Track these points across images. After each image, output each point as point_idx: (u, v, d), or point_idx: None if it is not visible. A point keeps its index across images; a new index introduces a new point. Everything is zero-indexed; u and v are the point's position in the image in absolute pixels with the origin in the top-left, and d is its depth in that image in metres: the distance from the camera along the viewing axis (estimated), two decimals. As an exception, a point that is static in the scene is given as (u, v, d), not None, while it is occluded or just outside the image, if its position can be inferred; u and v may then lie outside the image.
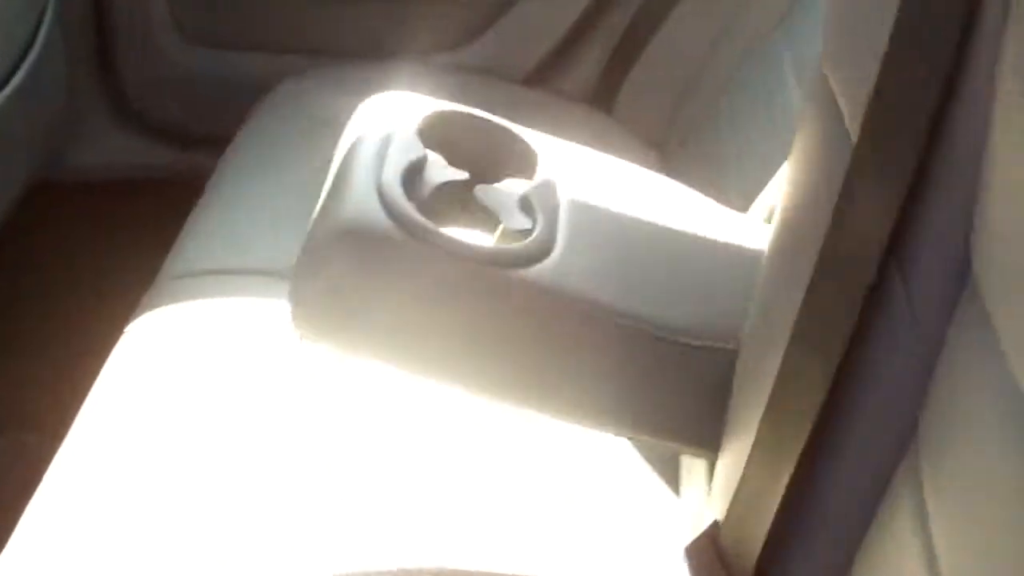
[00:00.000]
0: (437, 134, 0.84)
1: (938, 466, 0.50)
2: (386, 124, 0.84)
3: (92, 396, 0.98)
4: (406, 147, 0.82)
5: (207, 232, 1.20)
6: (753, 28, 1.36)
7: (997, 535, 0.45)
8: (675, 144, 1.43)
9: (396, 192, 0.77)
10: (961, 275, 0.51)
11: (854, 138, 0.59)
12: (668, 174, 1.02)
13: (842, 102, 0.65)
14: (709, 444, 0.78)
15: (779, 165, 0.92)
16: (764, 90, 1.26)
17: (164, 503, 0.87)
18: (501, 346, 0.78)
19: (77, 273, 1.42)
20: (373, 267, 0.77)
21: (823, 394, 0.59)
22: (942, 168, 0.53)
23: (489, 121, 0.86)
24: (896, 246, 0.55)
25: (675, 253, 0.84)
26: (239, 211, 1.24)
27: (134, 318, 1.08)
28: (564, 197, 0.82)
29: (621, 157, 0.92)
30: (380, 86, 1.40)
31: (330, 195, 0.79)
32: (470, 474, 0.92)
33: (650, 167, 1.06)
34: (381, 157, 0.80)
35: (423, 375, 0.81)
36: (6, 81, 1.27)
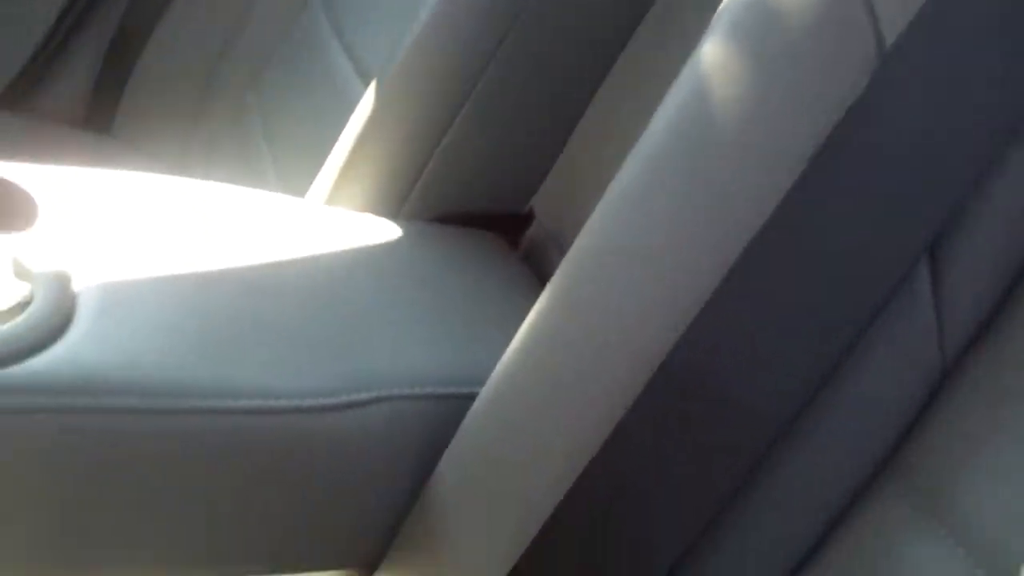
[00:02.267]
0: None
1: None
2: None
3: None
4: None
5: None
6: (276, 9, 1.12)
7: None
8: (199, 155, 1.17)
9: None
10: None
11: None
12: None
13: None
14: (365, 558, 0.52)
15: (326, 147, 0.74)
16: (305, 73, 1.03)
17: None
18: (18, 500, 0.47)
19: None
20: None
21: None
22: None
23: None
24: None
25: (261, 288, 0.56)
26: None
27: None
28: (80, 246, 0.52)
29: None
30: None
31: None
32: None
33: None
34: None
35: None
36: None
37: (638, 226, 0.44)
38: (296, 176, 0.90)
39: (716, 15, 0.45)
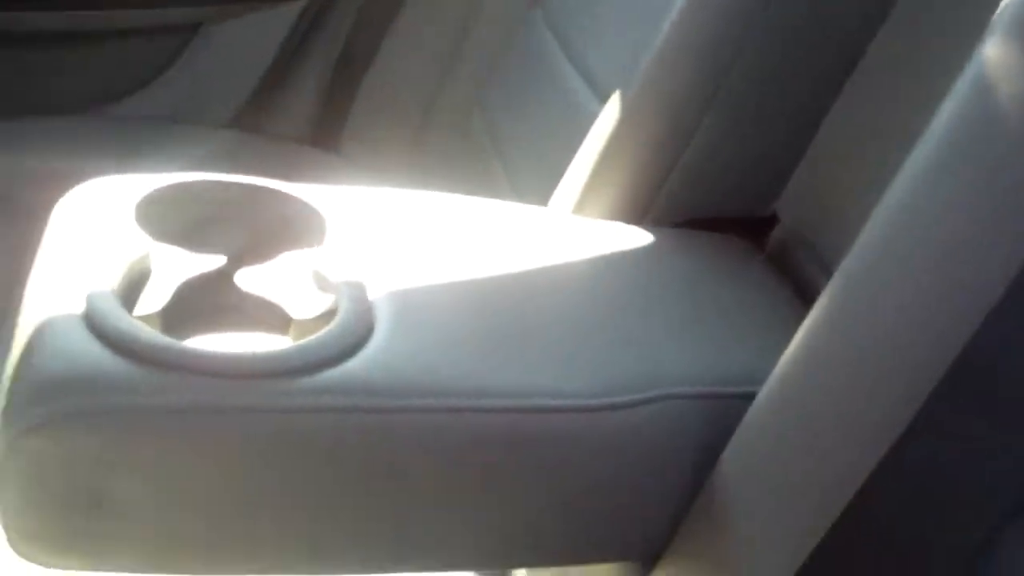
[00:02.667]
0: (169, 216, 0.57)
1: None
2: (92, 219, 0.56)
3: None
4: (121, 244, 0.54)
5: None
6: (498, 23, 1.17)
7: None
8: (422, 172, 1.22)
9: (111, 311, 0.49)
10: None
11: None
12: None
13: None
14: (647, 550, 0.54)
15: (567, 154, 0.77)
16: (532, 83, 1.07)
17: None
18: (323, 494, 0.51)
19: None
20: (106, 430, 0.48)
21: None
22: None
23: (238, 184, 0.59)
24: None
25: (537, 293, 0.59)
26: None
27: None
28: (367, 258, 0.56)
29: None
30: (31, 144, 1.14)
31: (22, 348, 0.49)
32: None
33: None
34: (87, 268, 0.52)
35: (220, 570, 0.53)
36: None
37: (922, 228, 0.45)
38: (531, 189, 0.94)
39: (998, 14, 0.46)
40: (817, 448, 0.45)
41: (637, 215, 0.72)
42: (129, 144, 1.07)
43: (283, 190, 0.60)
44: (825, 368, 0.47)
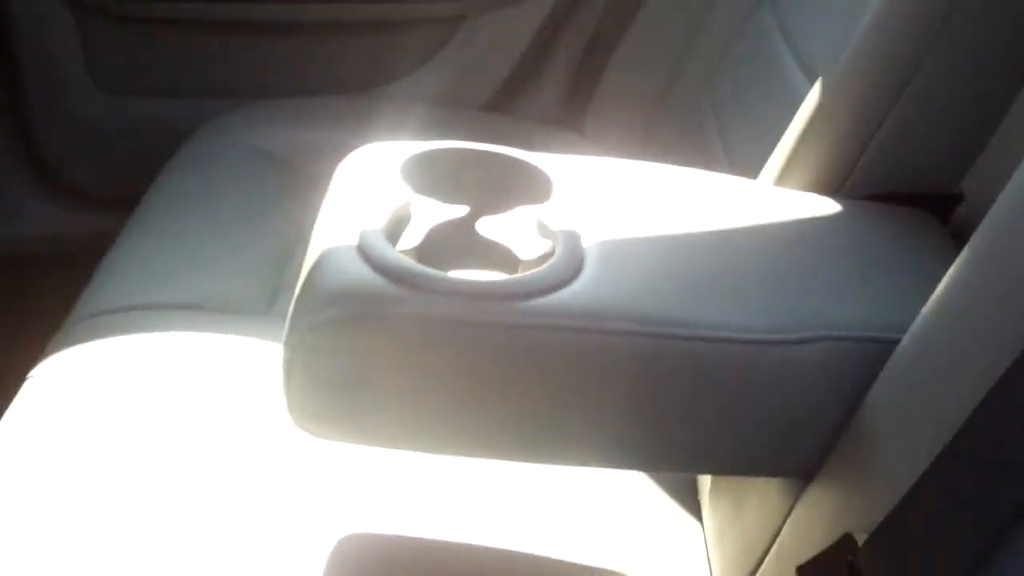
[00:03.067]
0: (426, 175, 0.70)
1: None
2: (366, 176, 0.70)
3: None
4: (388, 195, 0.67)
5: (123, 270, 1.08)
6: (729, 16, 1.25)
7: None
8: (656, 149, 1.32)
9: (379, 244, 0.63)
10: None
11: None
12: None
13: None
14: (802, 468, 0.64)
15: (772, 136, 0.86)
16: (755, 73, 1.15)
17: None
18: (537, 395, 0.63)
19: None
20: (371, 333, 0.62)
21: None
22: None
23: (483, 151, 0.72)
24: None
25: (727, 247, 0.69)
26: (159, 247, 1.12)
27: (40, 361, 0.95)
28: (585, 213, 0.68)
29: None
30: (315, 119, 1.32)
31: (308, 270, 0.64)
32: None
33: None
34: (361, 213, 0.66)
35: (453, 450, 0.66)
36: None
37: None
38: (746, 163, 1.03)
39: None
40: (942, 383, 0.54)
41: (833, 188, 0.80)
42: (398, 121, 1.23)
43: (518, 156, 0.72)
44: (959, 314, 0.55)
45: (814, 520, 0.63)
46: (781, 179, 0.83)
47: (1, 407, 0.91)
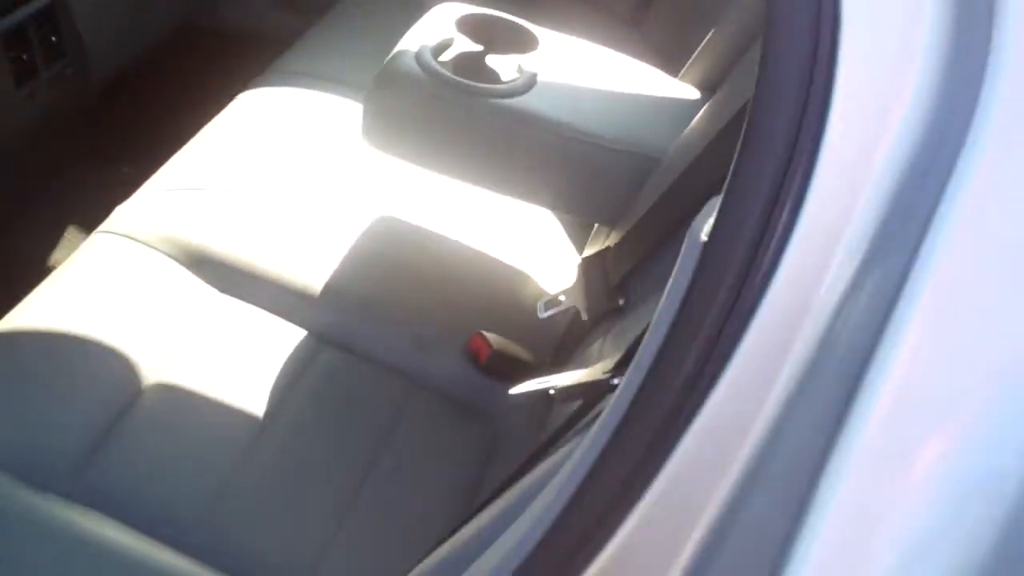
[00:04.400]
0: (469, 24, 1.26)
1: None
2: (439, 18, 1.27)
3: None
4: (444, 31, 1.24)
5: (313, 45, 1.73)
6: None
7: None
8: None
9: (427, 55, 1.20)
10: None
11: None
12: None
13: None
14: (615, 219, 1.19)
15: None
16: None
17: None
18: (493, 151, 1.20)
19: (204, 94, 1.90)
20: (410, 99, 1.19)
21: None
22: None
23: (506, 19, 1.27)
24: None
25: (622, 95, 1.23)
26: (346, 33, 1.75)
27: (247, 89, 1.62)
28: (548, 62, 1.23)
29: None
30: None
31: (391, 56, 1.21)
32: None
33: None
34: (427, 36, 1.23)
35: (443, 172, 1.24)
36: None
37: None
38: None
39: None
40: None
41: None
42: None
43: (520, 23, 1.27)
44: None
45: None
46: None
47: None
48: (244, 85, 1.62)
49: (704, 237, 0.49)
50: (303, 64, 1.68)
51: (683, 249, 0.50)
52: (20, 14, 1.56)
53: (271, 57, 1.72)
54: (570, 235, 1.43)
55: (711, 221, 0.49)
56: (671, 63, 1.67)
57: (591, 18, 1.91)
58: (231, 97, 1.61)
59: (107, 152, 1.92)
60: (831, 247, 0.46)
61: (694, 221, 0.51)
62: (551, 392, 0.83)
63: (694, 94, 1.29)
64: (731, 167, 0.48)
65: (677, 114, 1.18)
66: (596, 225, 1.29)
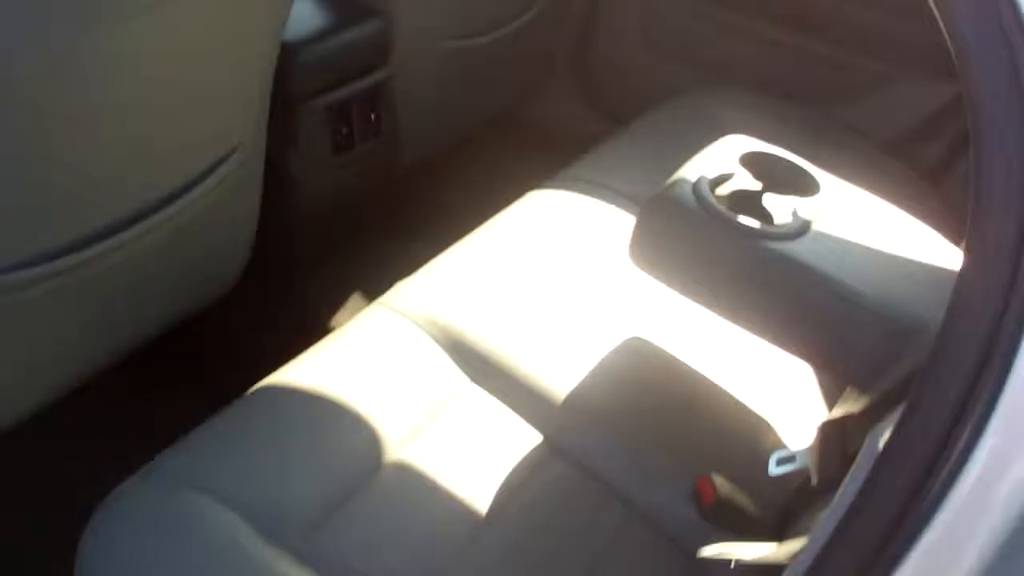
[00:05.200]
0: (753, 161, 1.26)
1: None
2: (726, 149, 1.28)
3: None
4: (727, 163, 1.25)
5: (608, 155, 1.81)
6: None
7: None
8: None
9: (704, 186, 1.21)
10: None
11: None
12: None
13: None
14: (865, 384, 1.15)
15: None
16: None
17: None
18: (753, 292, 1.19)
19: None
20: (679, 228, 1.21)
21: None
22: None
23: (791, 162, 1.27)
24: None
25: (895, 257, 1.20)
26: (640, 148, 1.82)
27: (538, 189, 1.71)
28: (826, 210, 1.21)
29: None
30: (754, 109, 1.92)
31: (670, 182, 1.24)
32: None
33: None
34: (709, 166, 1.24)
35: (702, 304, 1.24)
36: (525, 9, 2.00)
37: None
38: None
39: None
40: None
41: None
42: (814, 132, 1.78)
43: (807, 168, 1.26)
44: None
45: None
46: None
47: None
48: (536, 183, 1.70)
49: (880, 446, 0.48)
50: (593, 172, 1.74)
51: (859, 456, 0.49)
52: (346, 91, 1.71)
53: (571, 152, 1.80)
54: (824, 391, 1.40)
55: (889, 430, 0.48)
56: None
57: (887, 169, 1.87)
58: (523, 190, 1.70)
59: (400, 228, 2.06)
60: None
61: (874, 427, 0.50)
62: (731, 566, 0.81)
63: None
64: (919, 374, 0.47)
65: (949, 286, 1.14)
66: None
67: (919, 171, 1.90)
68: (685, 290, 1.24)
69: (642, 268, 1.26)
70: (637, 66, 2.25)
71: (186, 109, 1.29)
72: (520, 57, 2.16)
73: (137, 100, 1.21)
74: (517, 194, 1.69)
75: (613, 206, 1.65)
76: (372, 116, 1.76)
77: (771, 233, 1.18)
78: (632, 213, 1.60)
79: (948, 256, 1.25)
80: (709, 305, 1.24)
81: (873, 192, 1.34)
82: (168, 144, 1.31)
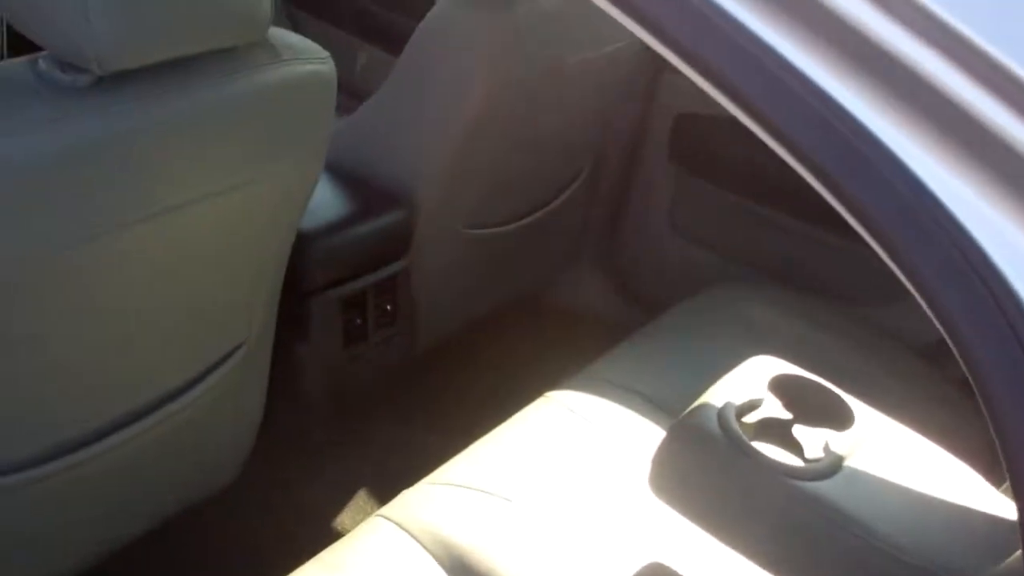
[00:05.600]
0: (783, 387, 1.19)
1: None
2: (755, 371, 1.21)
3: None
4: (756, 388, 1.18)
5: (630, 354, 1.72)
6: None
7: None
8: None
9: (730, 414, 1.13)
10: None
11: None
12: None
13: None
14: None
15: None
16: None
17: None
18: (777, 533, 1.10)
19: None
20: (702, 459, 1.13)
21: None
22: None
23: (825, 389, 1.20)
24: None
25: (937, 502, 1.11)
26: (665, 347, 1.74)
27: (556, 389, 1.61)
28: (860, 446, 1.13)
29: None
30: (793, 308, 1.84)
31: (694, 407, 1.16)
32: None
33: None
34: (736, 390, 1.17)
35: (721, 540, 1.15)
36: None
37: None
38: None
39: None
40: None
41: None
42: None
43: (843, 398, 1.18)
44: None
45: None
46: None
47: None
48: (556, 382, 1.63)
49: None
50: (615, 373, 1.65)
51: None
52: (363, 282, 1.67)
53: (595, 337, 1.73)
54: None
55: None
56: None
57: (921, 380, 1.79)
58: (544, 377, 1.62)
59: (412, 415, 1.99)
60: None
61: None
62: None
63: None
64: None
65: (993, 538, 1.05)
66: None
67: (956, 379, 1.82)
68: (704, 525, 1.16)
69: (662, 499, 1.18)
70: (665, 252, 2.20)
71: (192, 313, 1.25)
72: (545, 242, 2.12)
73: (141, 304, 1.16)
74: (537, 384, 1.62)
75: (636, 413, 1.56)
76: (388, 307, 1.71)
77: (798, 471, 1.10)
78: (654, 421, 1.52)
79: (985, 497, 1.16)
80: (728, 543, 1.15)
81: (907, 412, 1.26)
82: (171, 346, 1.26)
